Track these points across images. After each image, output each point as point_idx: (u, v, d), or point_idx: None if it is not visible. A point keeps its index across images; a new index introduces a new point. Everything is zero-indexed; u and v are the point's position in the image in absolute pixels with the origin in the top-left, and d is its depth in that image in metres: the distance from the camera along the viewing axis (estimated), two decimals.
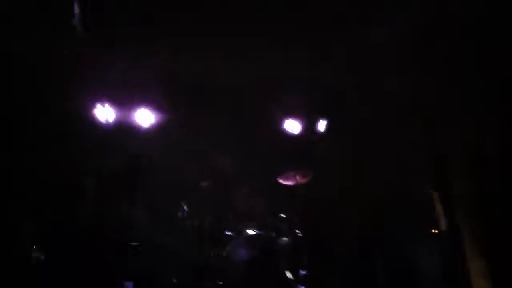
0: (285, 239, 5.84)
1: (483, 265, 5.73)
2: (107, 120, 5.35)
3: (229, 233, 5.76)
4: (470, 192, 5.96)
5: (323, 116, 6.57)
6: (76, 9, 4.64)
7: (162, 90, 6.28)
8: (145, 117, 6.27)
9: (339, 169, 6.24)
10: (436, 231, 5.66)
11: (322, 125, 6.80)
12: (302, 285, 5.44)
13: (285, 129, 6.92)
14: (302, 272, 5.69)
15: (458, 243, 5.98)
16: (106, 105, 5.94)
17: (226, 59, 6.27)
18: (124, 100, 6.17)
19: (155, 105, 6.32)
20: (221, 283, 5.34)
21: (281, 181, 6.16)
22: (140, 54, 6.04)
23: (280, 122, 6.93)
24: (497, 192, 5.56)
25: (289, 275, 5.51)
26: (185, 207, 5.73)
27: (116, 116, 5.93)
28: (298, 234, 5.89)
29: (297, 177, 6.01)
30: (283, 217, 5.96)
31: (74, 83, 5.68)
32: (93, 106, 5.74)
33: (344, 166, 6.16)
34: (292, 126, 6.90)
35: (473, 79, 5.64)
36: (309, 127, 6.84)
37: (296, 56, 6.06)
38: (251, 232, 5.62)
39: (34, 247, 4.46)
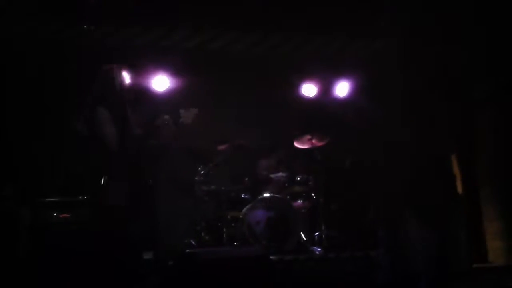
0: (300, 202, 5.90)
1: (499, 227, 5.73)
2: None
3: (246, 196, 5.82)
4: (489, 156, 5.93)
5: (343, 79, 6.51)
6: None
7: (180, 58, 6.32)
8: (161, 82, 6.30)
9: (357, 133, 6.22)
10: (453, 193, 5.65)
11: (340, 89, 6.78)
12: (316, 247, 5.52)
13: (302, 93, 6.92)
14: (316, 234, 5.77)
15: (474, 206, 5.99)
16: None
17: (246, 29, 6.29)
18: (142, 65, 6.21)
19: (172, 70, 6.35)
20: (237, 244, 5.45)
21: (297, 144, 6.17)
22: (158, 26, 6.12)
23: (297, 86, 6.93)
24: None
25: (303, 236, 5.60)
26: (202, 171, 5.79)
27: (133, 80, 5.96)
28: (313, 197, 5.94)
29: (313, 141, 6.02)
30: (299, 180, 5.98)
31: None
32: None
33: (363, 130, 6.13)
34: (309, 90, 6.89)
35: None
36: (326, 91, 6.83)
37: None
38: (267, 195, 5.66)
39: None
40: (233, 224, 5.63)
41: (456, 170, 6.12)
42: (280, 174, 6.12)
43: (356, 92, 6.74)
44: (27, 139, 5.77)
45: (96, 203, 3.70)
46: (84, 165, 3.85)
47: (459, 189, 5.99)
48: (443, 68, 4.91)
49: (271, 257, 4.36)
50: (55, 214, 4.58)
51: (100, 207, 3.64)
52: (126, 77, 3.84)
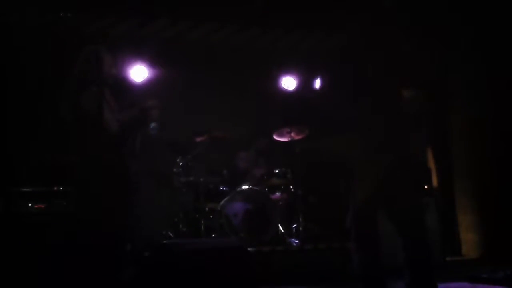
0: (278, 194, 5.93)
1: (473, 220, 5.84)
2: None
3: (224, 188, 5.82)
4: (465, 151, 6.04)
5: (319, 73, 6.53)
6: None
7: (158, 48, 6.26)
8: (139, 73, 6.24)
9: (334, 126, 6.24)
10: (428, 187, 5.75)
11: (318, 82, 6.79)
12: (293, 238, 5.56)
13: (281, 86, 6.93)
14: (294, 226, 5.81)
15: (449, 200, 6.10)
16: None
17: (224, 24, 6.26)
18: (120, 56, 6.13)
19: (150, 61, 6.28)
20: (214, 236, 5.45)
21: (276, 137, 6.18)
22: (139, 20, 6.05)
23: (277, 79, 6.93)
24: (492, 153, 5.63)
25: (281, 228, 5.63)
26: (180, 163, 5.76)
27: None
28: (291, 190, 5.97)
29: (292, 134, 6.03)
30: (278, 173, 6.00)
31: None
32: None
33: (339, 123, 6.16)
34: (289, 82, 6.90)
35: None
36: (305, 84, 6.84)
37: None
38: (245, 187, 5.67)
39: None
40: (211, 216, 5.64)
41: (431, 163, 6.23)
42: (258, 166, 6.15)
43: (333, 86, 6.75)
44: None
45: (74, 193, 3.65)
46: (63, 152, 3.76)
47: (434, 182, 6.11)
48: (415, 59, 4.97)
49: (248, 248, 4.37)
50: (29, 204, 4.51)
51: (78, 197, 3.59)
52: (108, 60, 3.78)
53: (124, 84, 5.99)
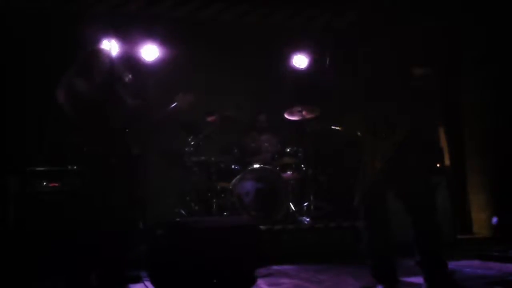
0: (290, 173, 5.97)
1: (484, 199, 5.85)
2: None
3: (235, 167, 5.87)
4: (477, 130, 6.02)
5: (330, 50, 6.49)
6: None
7: (170, 28, 6.26)
8: (150, 52, 6.26)
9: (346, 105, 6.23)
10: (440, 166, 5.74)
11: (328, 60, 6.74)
12: (304, 217, 5.61)
13: (292, 65, 6.92)
14: (305, 204, 5.86)
15: (461, 179, 6.10)
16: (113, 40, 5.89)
17: (235, 3, 6.22)
18: (131, 35, 6.15)
19: (160, 40, 6.30)
20: (226, 214, 5.52)
21: (287, 116, 6.19)
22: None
23: (288, 58, 6.92)
24: (504, 132, 5.61)
25: (292, 207, 5.68)
26: (192, 143, 5.80)
27: (122, 50, 5.91)
28: (302, 169, 6.01)
29: (304, 112, 6.04)
30: (289, 152, 6.03)
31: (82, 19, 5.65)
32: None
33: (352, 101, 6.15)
34: (300, 61, 6.88)
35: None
36: (317, 62, 6.81)
37: None
38: (256, 166, 5.71)
39: None
40: (222, 195, 5.69)
41: (443, 142, 6.22)
42: (269, 145, 6.19)
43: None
44: (12, 109, 5.72)
45: (87, 172, 3.72)
46: (72, 135, 3.83)
47: (446, 160, 6.10)
48: (428, 39, 4.93)
49: (260, 226, 4.43)
50: (44, 183, 4.60)
51: (91, 176, 3.66)
52: (113, 50, 3.81)
53: (136, 65, 6.04)
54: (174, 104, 4.29)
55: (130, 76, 3.83)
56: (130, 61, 5.95)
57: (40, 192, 4.60)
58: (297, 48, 6.84)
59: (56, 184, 4.64)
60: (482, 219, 5.86)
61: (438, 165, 5.70)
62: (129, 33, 6.08)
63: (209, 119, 5.90)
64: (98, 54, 3.79)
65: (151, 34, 6.26)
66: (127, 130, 3.77)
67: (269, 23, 6.70)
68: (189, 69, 6.49)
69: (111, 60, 3.80)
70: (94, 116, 3.58)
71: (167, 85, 5.94)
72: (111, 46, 5.65)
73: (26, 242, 4.31)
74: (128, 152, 3.79)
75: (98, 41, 5.43)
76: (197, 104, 5.58)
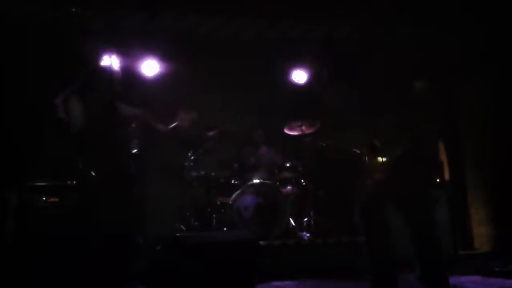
0: (289, 188, 5.98)
1: (485, 213, 5.84)
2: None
3: (235, 182, 5.89)
4: (476, 143, 6.03)
5: (328, 65, 6.54)
6: None
7: (169, 42, 6.32)
8: (151, 67, 6.31)
9: (345, 119, 6.28)
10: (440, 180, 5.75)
11: (326, 74, 6.80)
12: (304, 232, 5.61)
13: (291, 80, 6.96)
14: (305, 219, 5.86)
15: (461, 193, 6.10)
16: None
17: (234, 16, 6.28)
18: (131, 50, 6.20)
19: (160, 55, 6.35)
20: (226, 229, 5.52)
21: (287, 131, 6.23)
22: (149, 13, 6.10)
23: (287, 73, 6.97)
24: (504, 144, 5.63)
25: (292, 222, 5.68)
26: (191, 157, 5.83)
27: (122, 65, 5.94)
28: (302, 184, 6.02)
29: (303, 127, 6.08)
30: (289, 167, 6.05)
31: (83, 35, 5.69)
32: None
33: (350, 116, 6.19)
34: (299, 76, 6.93)
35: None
36: (315, 76, 6.86)
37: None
38: (256, 180, 5.73)
39: None
40: (222, 210, 5.71)
41: (443, 156, 6.23)
42: (269, 159, 6.22)
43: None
44: (11, 122, 5.72)
45: (86, 187, 3.73)
46: (68, 149, 3.85)
47: (446, 175, 6.11)
48: (425, 51, 4.98)
49: (259, 242, 4.43)
50: (44, 198, 4.60)
51: (90, 191, 3.68)
52: (114, 66, 3.85)
53: (136, 81, 6.09)
54: (175, 123, 4.36)
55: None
56: (130, 76, 5.99)
57: (39, 207, 4.60)
58: (297, 63, 6.89)
59: (56, 200, 4.64)
60: (483, 234, 5.85)
61: (438, 179, 5.72)
62: (129, 49, 6.13)
63: (209, 133, 5.94)
64: (99, 73, 3.83)
65: (150, 49, 6.32)
66: (124, 146, 3.81)
67: (267, 37, 6.75)
68: (188, 84, 6.54)
69: (111, 77, 3.85)
70: (92, 133, 3.62)
71: (167, 100, 6.00)
72: (111, 62, 5.70)
73: (25, 257, 4.30)
74: (124, 167, 3.82)
75: (98, 56, 5.47)
76: (198, 121, 5.65)
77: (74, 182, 4.63)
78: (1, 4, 5.63)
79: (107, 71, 3.90)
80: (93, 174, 3.61)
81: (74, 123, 3.61)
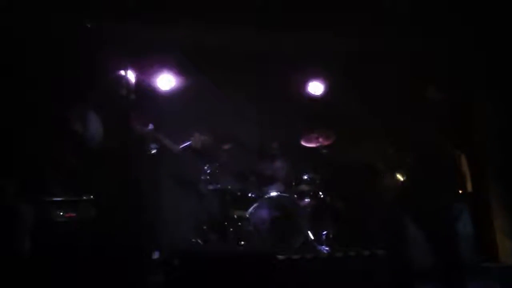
0: (307, 200, 5.98)
1: (510, 225, 5.78)
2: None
3: (252, 195, 5.90)
4: (499, 152, 5.99)
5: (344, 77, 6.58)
6: None
7: (184, 56, 6.40)
8: (166, 81, 6.40)
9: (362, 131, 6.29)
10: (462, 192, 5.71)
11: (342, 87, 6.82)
12: (323, 246, 5.60)
13: (308, 92, 7.00)
14: (324, 233, 5.85)
15: (485, 204, 6.05)
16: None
17: (248, 28, 6.35)
18: (146, 64, 6.29)
19: (176, 69, 6.44)
20: (243, 243, 5.54)
21: (304, 143, 6.25)
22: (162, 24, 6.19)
23: (303, 85, 7.01)
24: None
25: (310, 235, 5.68)
26: (207, 171, 5.87)
27: (137, 80, 6.04)
28: (320, 196, 6.02)
29: (320, 139, 6.10)
30: (306, 179, 6.06)
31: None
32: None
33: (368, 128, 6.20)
34: (315, 87, 6.97)
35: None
36: (332, 88, 6.89)
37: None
38: (273, 193, 5.75)
39: None
40: (239, 223, 5.70)
41: (465, 168, 6.19)
42: (286, 172, 6.25)
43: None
44: (27, 138, 5.82)
45: (101, 202, 3.79)
46: (85, 163, 3.91)
47: (469, 187, 6.07)
48: (443, 61, 5.00)
49: (278, 256, 4.44)
50: (61, 213, 4.68)
51: (106, 206, 3.73)
52: (131, 80, 3.92)
53: (150, 95, 6.17)
54: (188, 143, 4.43)
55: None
56: (145, 90, 6.08)
57: (56, 222, 4.67)
58: (313, 74, 6.93)
59: (73, 215, 4.71)
60: (508, 246, 5.78)
61: (460, 191, 5.68)
62: (144, 63, 6.22)
63: (225, 147, 5.99)
64: (115, 87, 3.90)
65: (165, 63, 6.41)
66: (139, 159, 3.87)
67: (282, 49, 6.79)
68: (204, 97, 6.61)
69: (127, 92, 3.91)
70: (108, 147, 3.68)
71: (182, 114, 6.08)
72: (126, 75, 5.79)
73: (41, 272, 4.37)
74: (139, 181, 3.87)
75: (113, 70, 5.58)
76: (211, 144, 5.69)
77: (91, 196, 4.71)
78: (17, 19, 5.76)
79: (123, 85, 3.95)
80: (108, 188, 3.66)
81: (91, 136, 3.67)
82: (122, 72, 5.61)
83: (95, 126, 3.69)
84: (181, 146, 5.54)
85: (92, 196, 4.67)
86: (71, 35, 6.06)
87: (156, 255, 5.51)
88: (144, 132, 3.96)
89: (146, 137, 3.95)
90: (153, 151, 4.01)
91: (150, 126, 4.09)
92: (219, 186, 5.88)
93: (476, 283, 4.27)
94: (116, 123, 3.73)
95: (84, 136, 3.72)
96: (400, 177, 3.33)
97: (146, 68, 6.26)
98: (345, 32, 6.35)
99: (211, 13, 5.95)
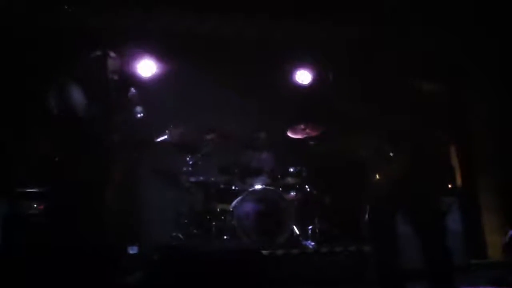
0: (293, 194, 5.93)
1: (498, 221, 5.79)
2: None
3: (236, 188, 5.82)
4: (489, 146, 6.00)
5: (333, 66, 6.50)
6: None
7: (167, 42, 6.29)
8: (147, 68, 6.28)
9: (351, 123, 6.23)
10: (451, 186, 5.71)
11: (334, 77, 6.75)
12: (309, 241, 5.55)
13: (295, 80, 6.92)
14: (310, 227, 5.80)
15: (474, 199, 6.05)
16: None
17: (234, 14, 6.25)
18: (127, 50, 6.16)
19: (158, 55, 6.33)
20: (226, 238, 5.47)
21: (290, 134, 6.18)
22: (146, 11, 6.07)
23: (291, 73, 6.93)
24: None
25: (296, 230, 5.63)
26: (189, 162, 5.77)
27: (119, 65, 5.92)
28: (306, 190, 5.97)
29: (307, 130, 6.02)
30: (292, 172, 6.00)
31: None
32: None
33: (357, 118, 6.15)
34: (303, 76, 6.89)
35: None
36: (320, 78, 6.82)
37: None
38: (258, 186, 5.67)
39: None
40: (222, 217, 5.62)
41: (454, 161, 6.19)
42: (271, 164, 6.18)
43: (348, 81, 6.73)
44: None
45: (74, 191, 3.66)
46: (58, 149, 3.77)
47: (458, 181, 6.07)
48: (434, 52, 4.96)
49: (262, 251, 4.38)
50: (34, 205, 4.56)
51: (81, 197, 3.62)
52: (114, 62, 3.81)
53: (131, 81, 6.04)
54: (164, 137, 4.33)
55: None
56: (126, 77, 5.95)
57: (29, 215, 4.56)
58: (300, 63, 6.85)
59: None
60: (496, 242, 5.79)
61: (449, 185, 5.67)
62: (125, 48, 6.10)
63: (208, 137, 5.88)
64: (100, 62, 3.76)
65: (147, 49, 6.29)
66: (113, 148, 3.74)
67: (270, 36, 6.72)
68: (188, 85, 6.51)
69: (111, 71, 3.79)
70: (80, 128, 3.54)
71: (164, 102, 5.97)
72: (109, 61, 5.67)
73: (13, 268, 4.26)
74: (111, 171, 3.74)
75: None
76: (188, 135, 5.59)
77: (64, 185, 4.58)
78: None
79: (105, 65, 3.84)
80: (82, 176, 3.53)
81: (73, 109, 3.51)
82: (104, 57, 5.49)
83: (75, 98, 3.54)
84: (157, 140, 5.42)
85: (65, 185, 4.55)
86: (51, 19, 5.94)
87: (134, 250, 5.42)
88: (127, 97, 3.82)
89: (131, 101, 3.81)
90: (139, 115, 3.83)
91: (133, 90, 3.93)
92: (201, 178, 5.79)
93: (464, 281, 4.26)
94: (98, 97, 3.60)
95: (61, 110, 3.57)
96: (389, 170, 3.27)
97: (127, 53, 6.13)
98: (334, 19, 6.31)
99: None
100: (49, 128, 3.72)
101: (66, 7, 5.59)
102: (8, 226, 4.49)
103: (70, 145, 3.58)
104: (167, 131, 5.27)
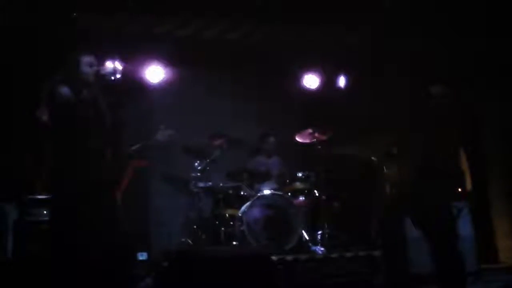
0: (302, 199, 5.98)
1: (510, 225, 5.82)
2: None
3: (244, 193, 5.89)
4: (499, 151, 6.02)
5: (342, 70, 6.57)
6: None
7: (175, 48, 6.36)
8: (155, 74, 6.36)
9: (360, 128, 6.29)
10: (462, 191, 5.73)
11: (342, 81, 6.81)
12: (318, 246, 5.60)
13: (303, 85, 6.99)
14: (319, 232, 5.86)
15: (485, 204, 6.07)
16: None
17: (241, 19, 6.32)
18: (135, 56, 6.24)
19: (166, 61, 6.40)
20: (235, 243, 5.53)
21: (298, 139, 6.24)
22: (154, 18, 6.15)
23: (298, 78, 6.99)
24: None
25: (305, 235, 5.69)
26: (198, 167, 5.84)
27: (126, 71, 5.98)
28: (315, 195, 6.03)
29: (316, 135, 6.08)
30: (300, 177, 6.06)
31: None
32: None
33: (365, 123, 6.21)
34: (311, 81, 6.95)
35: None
36: (328, 82, 6.87)
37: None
38: (267, 192, 5.74)
39: None
40: (231, 223, 5.68)
41: (464, 165, 6.21)
42: (280, 169, 6.24)
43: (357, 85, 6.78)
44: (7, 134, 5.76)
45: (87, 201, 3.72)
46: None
47: (468, 185, 6.09)
48: (444, 55, 5.00)
49: (271, 257, 4.43)
50: (45, 212, 4.64)
51: (91, 204, 3.68)
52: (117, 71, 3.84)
53: (140, 86, 6.13)
54: (153, 138, 4.40)
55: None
56: (134, 83, 6.05)
57: (40, 221, 4.64)
58: (308, 68, 6.91)
59: None
60: (507, 247, 5.82)
61: (459, 189, 5.70)
62: (133, 54, 6.18)
63: (216, 142, 5.95)
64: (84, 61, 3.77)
65: (156, 55, 6.36)
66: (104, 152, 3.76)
67: (277, 41, 6.77)
68: (195, 90, 6.59)
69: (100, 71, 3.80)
70: (71, 129, 3.56)
71: (173, 107, 6.04)
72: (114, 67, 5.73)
73: (25, 271, 4.34)
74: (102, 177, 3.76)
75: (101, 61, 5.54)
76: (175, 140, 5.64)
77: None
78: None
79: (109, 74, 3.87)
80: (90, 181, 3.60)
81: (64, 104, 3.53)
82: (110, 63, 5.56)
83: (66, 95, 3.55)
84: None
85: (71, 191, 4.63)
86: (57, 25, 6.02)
87: (144, 256, 5.49)
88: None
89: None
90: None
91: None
92: (210, 183, 5.86)
93: (475, 286, 4.30)
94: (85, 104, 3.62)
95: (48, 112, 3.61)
96: (398, 175, 3.33)
97: (134, 59, 6.22)
98: (344, 26, 6.36)
99: (203, 4, 5.92)
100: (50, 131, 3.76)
101: (74, 14, 5.68)
102: (19, 232, 4.57)
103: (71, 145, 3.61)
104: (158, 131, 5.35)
